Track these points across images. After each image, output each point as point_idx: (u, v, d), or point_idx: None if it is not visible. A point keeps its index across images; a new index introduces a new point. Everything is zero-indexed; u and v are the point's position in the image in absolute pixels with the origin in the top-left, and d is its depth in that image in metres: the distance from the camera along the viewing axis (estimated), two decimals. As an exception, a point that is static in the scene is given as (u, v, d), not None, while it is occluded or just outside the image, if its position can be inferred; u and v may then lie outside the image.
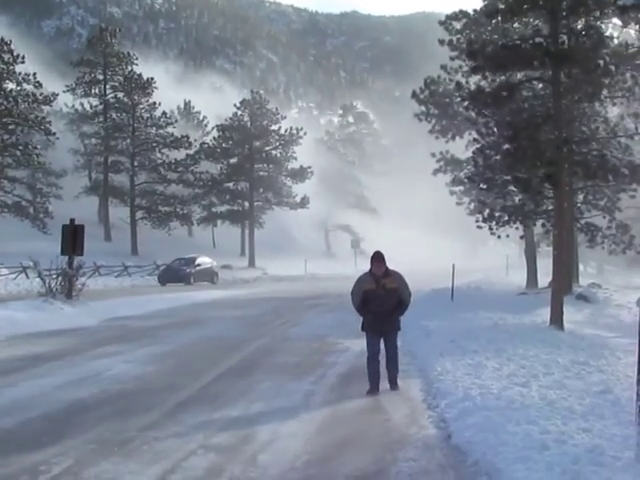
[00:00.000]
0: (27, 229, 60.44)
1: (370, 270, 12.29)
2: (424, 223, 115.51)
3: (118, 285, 47.20)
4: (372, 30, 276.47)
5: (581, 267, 41.99)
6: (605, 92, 26.30)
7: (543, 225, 37.96)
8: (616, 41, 28.79)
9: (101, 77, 75.10)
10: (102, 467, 7.75)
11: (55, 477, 7.39)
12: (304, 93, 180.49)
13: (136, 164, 72.54)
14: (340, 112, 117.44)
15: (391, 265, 12.33)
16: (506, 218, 36.61)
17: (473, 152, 36.17)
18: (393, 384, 12.28)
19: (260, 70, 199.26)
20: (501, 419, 9.06)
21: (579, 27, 25.28)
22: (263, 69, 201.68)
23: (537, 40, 24.03)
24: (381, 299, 12.02)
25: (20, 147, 60.50)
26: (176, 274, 51.37)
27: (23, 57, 60.85)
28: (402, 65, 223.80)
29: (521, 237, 40.49)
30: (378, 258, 12.23)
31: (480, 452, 8.06)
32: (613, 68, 23.05)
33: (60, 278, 26.99)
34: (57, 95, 64.95)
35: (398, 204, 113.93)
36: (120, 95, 73.82)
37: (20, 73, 60.77)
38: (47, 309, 24.37)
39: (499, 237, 37.45)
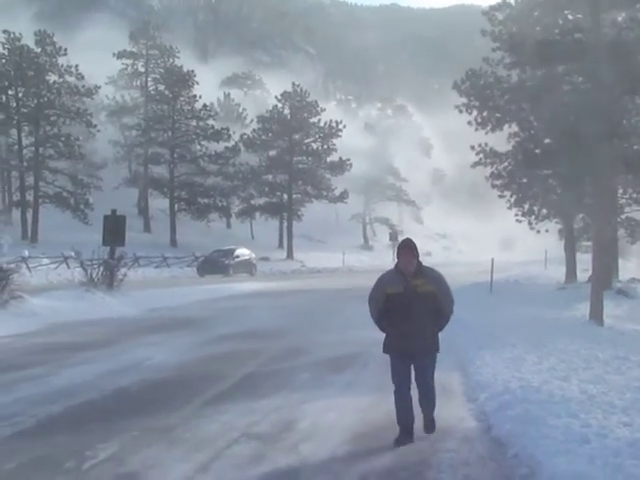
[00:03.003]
0: (68, 220, 61.03)
1: (396, 266, 8.73)
2: (464, 217, 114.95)
3: (157, 276, 47.52)
4: (411, 23, 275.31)
5: (621, 262, 41.56)
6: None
7: (583, 219, 37.75)
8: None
9: (142, 70, 75.52)
10: (146, 454, 7.89)
11: (101, 462, 7.54)
12: (342, 85, 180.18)
13: (176, 156, 72.70)
14: (379, 105, 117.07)
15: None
16: (546, 212, 36.51)
17: (513, 146, 36.03)
18: (428, 425, 8.98)
19: (298, 63, 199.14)
20: (542, 412, 9.05)
21: (621, 20, 25.09)
22: (302, 61, 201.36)
23: (577, 36, 23.90)
24: (410, 308, 8.48)
25: (62, 138, 61.11)
26: (215, 265, 51.58)
27: (65, 49, 61.49)
28: (441, 58, 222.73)
29: (560, 231, 40.28)
30: (407, 248, 8.61)
31: (521, 445, 8.08)
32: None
33: (102, 268, 27.24)
34: (99, 88, 65.67)
35: (438, 197, 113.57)
36: (161, 87, 74.19)
37: (62, 65, 61.43)
38: (89, 298, 24.64)
39: (538, 231, 37.34)
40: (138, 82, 76.03)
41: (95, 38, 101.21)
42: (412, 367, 8.77)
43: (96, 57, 76.13)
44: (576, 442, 7.73)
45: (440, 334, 8.82)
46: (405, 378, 8.70)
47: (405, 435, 8.55)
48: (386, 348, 8.82)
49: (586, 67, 24.71)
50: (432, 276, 8.69)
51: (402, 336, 8.54)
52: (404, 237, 9.22)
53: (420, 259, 8.61)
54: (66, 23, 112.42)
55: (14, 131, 62.08)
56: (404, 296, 8.47)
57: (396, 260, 8.79)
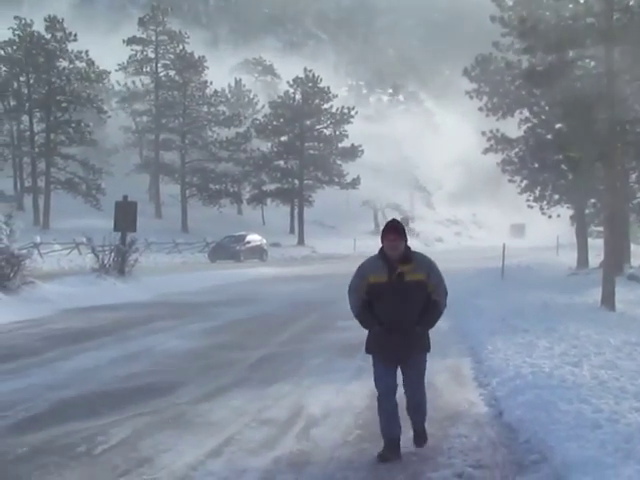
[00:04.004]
0: (79, 205, 61.19)
1: (381, 251, 7.51)
2: (475, 203, 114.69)
3: (169, 261, 47.56)
4: (422, 7, 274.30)
5: (633, 247, 41.45)
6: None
7: (595, 205, 37.64)
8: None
9: (153, 55, 75.41)
10: (158, 438, 7.91)
11: (113, 447, 7.57)
12: (353, 71, 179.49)
13: (187, 142, 72.85)
14: (390, 91, 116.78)
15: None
16: (557, 197, 36.43)
17: (524, 131, 35.92)
18: (419, 437, 7.84)
19: (309, 48, 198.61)
20: (553, 397, 9.04)
21: (632, 4, 24.88)
22: (313, 47, 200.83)
23: (589, 20, 23.74)
24: (397, 299, 7.24)
25: (73, 125, 61.17)
26: (226, 251, 51.73)
27: (75, 35, 61.48)
28: (452, 43, 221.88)
29: (571, 217, 40.18)
30: (392, 229, 7.41)
31: (532, 430, 8.07)
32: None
33: (113, 254, 27.28)
34: (109, 73, 65.66)
35: (449, 183, 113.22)
36: (171, 73, 74.13)
37: (73, 51, 61.45)
38: (100, 284, 24.74)
39: (550, 217, 37.26)
40: (148, 68, 75.88)
41: (107, 24, 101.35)
42: (399, 369, 7.68)
43: (107, 43, 76.25)
44: (587, 427, 7.71)
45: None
46: (391, 381, 7.55)
47: (391, 449, 7.45)
48: (369, 348, 7.67)
49: (598, 52, 24.53)
50: (422, 262, 7.44)
51: (387, 334, 7.34)
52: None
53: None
54: (77, 9, 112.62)
55: (25, 117, 62.33)
56: (388, 286, 7.26)
57: (380, 244, 7.53)
